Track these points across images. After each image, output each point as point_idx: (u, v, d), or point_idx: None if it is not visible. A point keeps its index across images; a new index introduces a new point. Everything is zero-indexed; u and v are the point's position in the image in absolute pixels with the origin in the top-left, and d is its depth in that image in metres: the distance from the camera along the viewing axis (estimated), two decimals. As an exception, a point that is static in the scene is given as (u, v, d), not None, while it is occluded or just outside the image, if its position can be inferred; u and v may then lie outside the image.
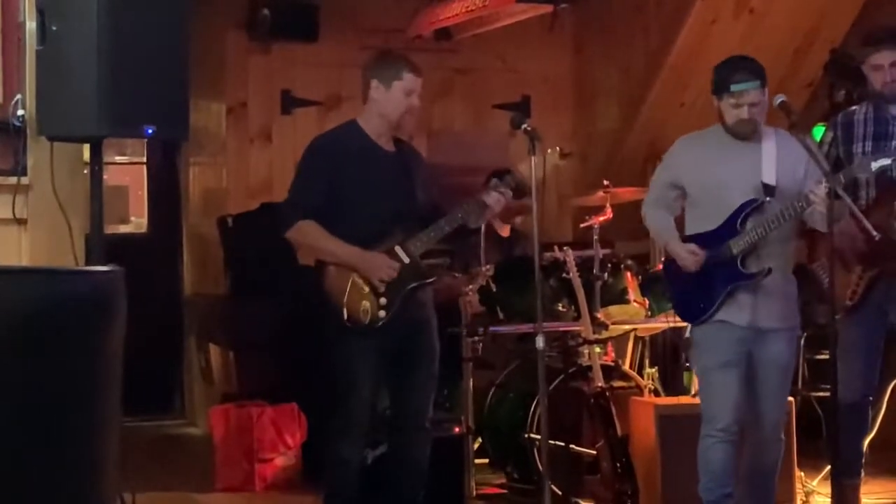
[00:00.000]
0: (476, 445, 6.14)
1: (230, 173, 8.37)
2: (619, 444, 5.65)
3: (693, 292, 4.96)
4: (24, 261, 4.96)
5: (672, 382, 6.78)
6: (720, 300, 4.87)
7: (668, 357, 7.06)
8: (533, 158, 4.78)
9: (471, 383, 6.02)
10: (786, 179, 4.88)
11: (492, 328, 6.11)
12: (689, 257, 4.90)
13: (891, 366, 5.89)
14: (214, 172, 8.68)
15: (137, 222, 9.77)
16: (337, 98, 8.27)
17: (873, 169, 4.92)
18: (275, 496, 6.55)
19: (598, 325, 5.95)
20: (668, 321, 5.82)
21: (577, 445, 5.80)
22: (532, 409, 5.86)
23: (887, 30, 5.60)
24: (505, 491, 6.32)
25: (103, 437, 3.61)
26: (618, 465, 5.60)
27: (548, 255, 6.06)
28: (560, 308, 6.23)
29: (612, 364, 6.14)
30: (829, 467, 5.03)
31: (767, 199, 4.85)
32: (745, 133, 4.90)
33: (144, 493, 4.86)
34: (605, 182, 6.42)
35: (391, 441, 5.31)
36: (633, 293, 6.30)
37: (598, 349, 5.98)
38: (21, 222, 4.97)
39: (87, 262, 4.75)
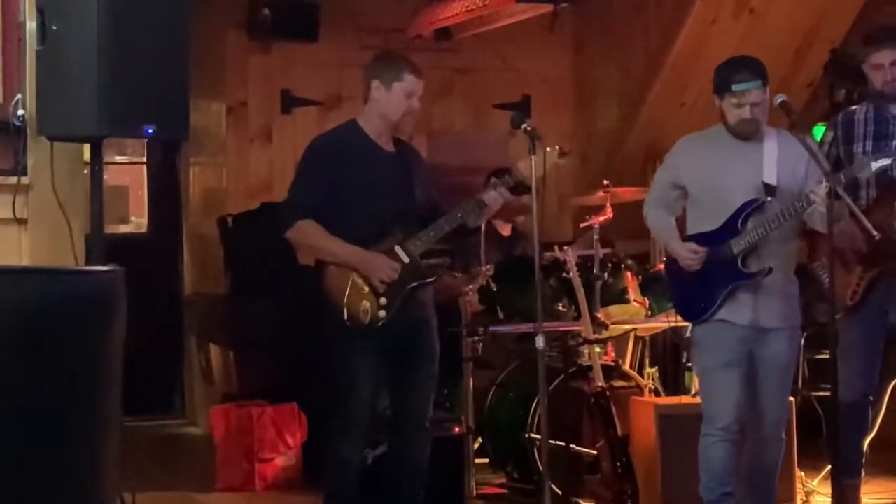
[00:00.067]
0: (476, 445, 6.14)
1: (230, 173, 8.36)
2: (620, 444, 5.65)
3: (694, 292, 4.96)
4: (25, 261, 4.96)
5: (672, 382, 6.78)
6: (721, 299, 4.87)
7: (669, 357, 7.07)
8: (533, 158, 4.79)
9: (471, 383, 6.02)
10: (787, 179, 4.88)
11: (492, 328, 6.11)
12: (690, 256, 4.90)
13: (891, 366, 5.89)
14: (214, 172, 8.68)
15: (137, 222, 9.77)
16: (337, 98, 8.27)
17: (873, 169, 4.92)
18: (275, 496, 6.55)
19: (599, 325, 5.95)
20: (668, 321, 5.81)
21: (577, 445, 5.80)
22: (532, 408, 5.86)
23: (887, 29, 5.60)
24: (505, 491, 6.32)
25: (103, 436, 3.62)
26: (618, 464, 5.60)
27: (548, 254, 6.05)
28: (560, 308, 6.23)
29: (613, 364, 6.14)
30: (829, 467, 5.03)
31: (768, 198, 4.85)
32: (747, 133, 4.90)
33: (144, 493, 4.86)
34: (606, 182, 6.42)
35: (391, 441, 5.30)
36: (633, 293, 6.30)
37: (598, 349, 5.98)
38: (21, 222, 4.97)
39: (88, 262, 4.75)
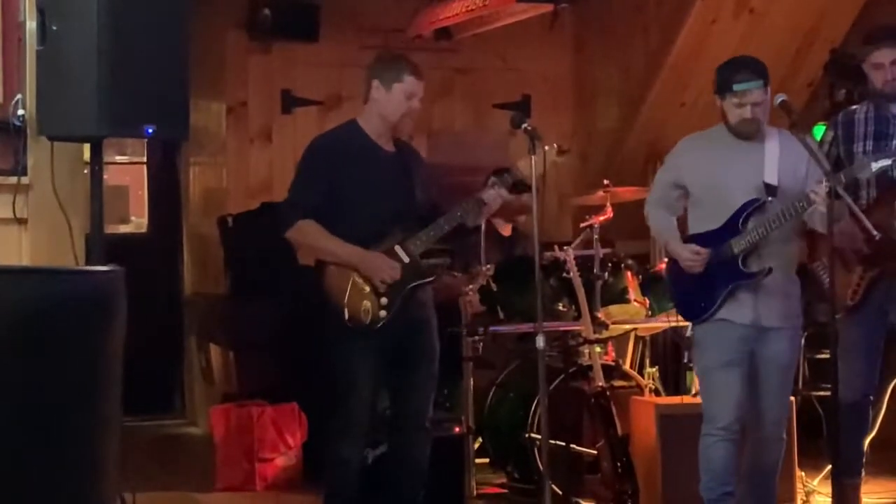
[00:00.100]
0: (476, 445, 6.14)
1: (230, 173, 8.37)
2: (620, 444, 5.65)
3: (694, 292, 4.96)
4: (25, 261, 4.96)
5: (673, 382, 6.78)
6: (721, 299, 4.87)
7: (669, 356, 7.07)
8: (533, 158, 4.79)
9: (471, 383, 6.02)
10: (787, 179, 4.88)
11: (492, 328, 6.11)
12: (692, 258, 4.90)
13: (891, 365, 5.89)
14: (215, 172, 8.68)
15: (138, 222, 9.77)
16: (337, 98, 8.27)
17: (873, 170, 4.92)
18: (275, 496, 6.54)
19: (599, 325, 5.95)
20: (668, 320, 5.81)
21: (577, 445, 5.80)
22: (532, 408, 5.86)
23: (887, 28, 5.60)
24: (505, 491, 6.32)
25: (103, 436, 3.61)
26: (618, 464, 5.60)
27: (548, 254, 6.05)
28: (560, 308, 6.23)
29: (613, 364, 6.14)
30: (829, 467, 5.04)
31: (769, 198, 4.85)
32: (748, 133, 4.90)
33: (145, 493, 4.86)
34: (606, 181, 6.42)
35: (391, 441, 5.30)
36: (633, 293, 6.30)
37: (598, 349, 5.98)
38: (21, 222, 4.97)
39: (88, 262, 4.74)
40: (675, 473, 5.51)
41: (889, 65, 5.39)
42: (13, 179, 4.94)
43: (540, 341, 4.77)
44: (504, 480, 6.39)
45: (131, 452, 4.05)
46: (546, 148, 4.97)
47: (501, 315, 6.29)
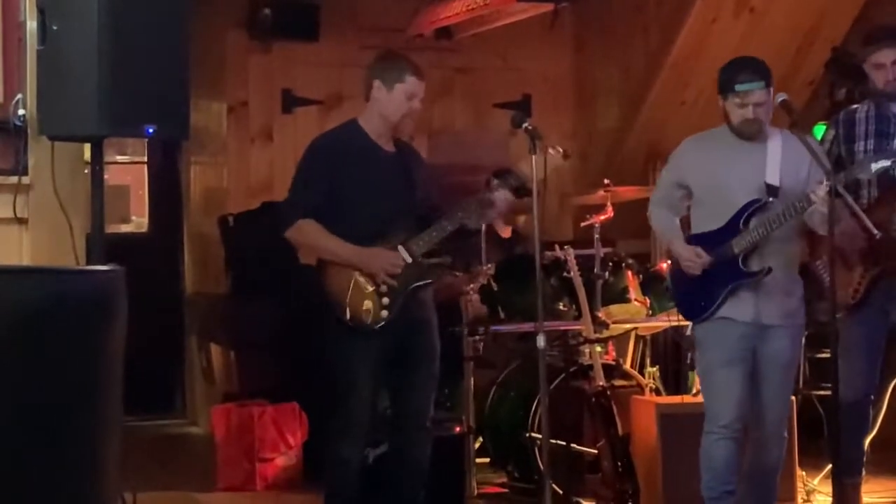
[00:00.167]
0: (477, 445, 6.14)
1: (231, 172, 8.37)
2: (621, 444, 5.65)
3: (695, 291, 4.96)
4: (25, 260, 4.96)
5: (673, 381, 6.79)
6: (721, 298, 4.87)
7: (670, 356, 7.07)
8: (534, 158, 4.78)
9: (472, 382, 6.02)
10: (789, 180, 4.88)
11: (493, 327, 6.12)
12: (692, 259, 4.90)
13: (892, 365, 5.89)
14: (215, 172, 8.68)
15: (138, 222, 9.78)
16: (338, 97, 8.27)
17: (873, 171, 4.91)
18: (276, 496, 6.55)
19: (599, 324, 5.95)
20: (669, 320, 5.81)
21: (578, 444, 5.80)
22: (533, 408, 5.86)
23: (888, 28, 5.60)
24: (506, 490, 6.32)
25: (104, 436, 3.61)
26: (619, 464, 5.60)
27: (549, 254, 6.06)
28: (561, 307, 6.23)
29: (613, 363, 6.14)
30: (830, 466, 5.04)
31: (770, 199, 4.86)
32: (751, 133, 4.90)
33: (145, 493, 4.86)
34: (606, 181, 6.42)
35: (392, 441, 5.30)
36: (634, 292, 6.30)
37: (599, 348, 5.98)
38: (22, 222, 4.97)
39: (88, 262, 4.74)
40: (676, 473, 5.51)
41: (890, 65, 5.38)
42: (14, 179, 4.94)
43: (540, 341, 4.77)
44: (504, 480, 6.39)
45: (132, 452, 4.04)
46: (551, 151, 4.96)
47: (502, 314, 6.29)
